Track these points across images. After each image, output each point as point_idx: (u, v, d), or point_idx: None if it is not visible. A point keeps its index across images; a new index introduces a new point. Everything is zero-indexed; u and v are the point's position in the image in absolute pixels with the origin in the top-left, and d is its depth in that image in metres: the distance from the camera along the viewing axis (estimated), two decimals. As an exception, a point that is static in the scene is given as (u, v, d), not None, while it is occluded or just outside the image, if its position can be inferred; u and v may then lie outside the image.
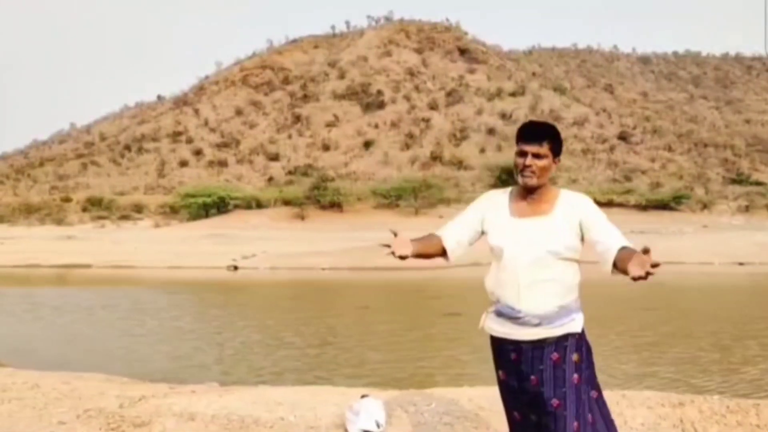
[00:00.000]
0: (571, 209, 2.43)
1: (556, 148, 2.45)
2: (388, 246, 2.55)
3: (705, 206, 64.56)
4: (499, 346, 2.50)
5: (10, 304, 14.91)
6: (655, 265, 2.06)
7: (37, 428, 3.67)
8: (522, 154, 2.43)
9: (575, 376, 2.36)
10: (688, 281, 21.06)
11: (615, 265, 2.28)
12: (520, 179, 2.45)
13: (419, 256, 2.60)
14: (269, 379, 6.99)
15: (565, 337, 2.39)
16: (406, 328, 11.22)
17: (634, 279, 2.11)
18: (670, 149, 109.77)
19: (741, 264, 25.73)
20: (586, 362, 2.43)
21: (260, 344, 9.81)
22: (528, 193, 2.47)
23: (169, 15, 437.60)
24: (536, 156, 2.40)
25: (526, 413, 2.43)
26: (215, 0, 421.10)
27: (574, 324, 2.41)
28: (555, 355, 2.37)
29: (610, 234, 2.36)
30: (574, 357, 2.39)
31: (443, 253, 2.61)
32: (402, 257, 2.55)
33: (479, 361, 8.49)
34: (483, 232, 2.59)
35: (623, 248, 2.28)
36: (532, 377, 2.38)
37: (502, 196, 2.58)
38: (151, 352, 9.17)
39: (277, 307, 14.90)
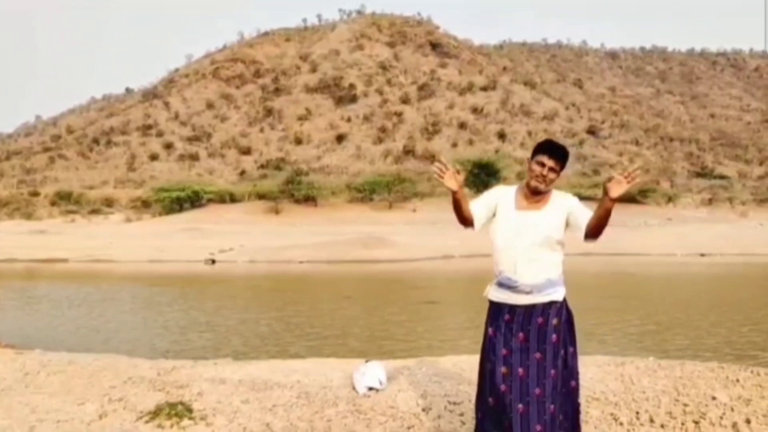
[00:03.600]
0: (561, 205, 3.12)
1: (565, 167, 3.17)
2: (442, 170, 3.10)
3: (670, 199, 66.22)
4: (497, 308, 3.15)
5: (7, 299, 15.28)
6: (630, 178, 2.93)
7: (92, 391, 4.35)
8: (541, 164, 3.10)
9: (554, 336, 3.04)
10: (653, 272, 22.13)
11: (587, 234, 3.03)
12: (532, 182, 3.11)
13: (457, 201, 3.15)
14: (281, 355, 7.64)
15: (550, 304, 3.07)
16: (392, 314, 11.93)
17: (613, 198, 2.90)
18: (637, 143, 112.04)
19: (702, 255, 26.91)
20: (566, 325, 3.13)
21: (270, 332, 10.33)
22: (530, 193, 3.14)
23: (138, 5, 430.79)
24: (551, 170, 3.11)
25: (497, 366, 3.06)
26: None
27: (557, 294, 3.11)
28: (540, 319, 3.05)
29: (583, 212, 3.10)
30: (554, 321, 3.07)
31: (471, 222, 3.21)
32: (450, 188, 3.11)
33: (459, 337, 9.30)
34: (494, 215, 3.22)
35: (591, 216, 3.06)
36: (520, 334, 3.04)
37: (510, 190, 3.26)
38: (169, 342, 9.62)
39: (272, 299, 15.42)
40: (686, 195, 73.56)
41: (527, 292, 3.08)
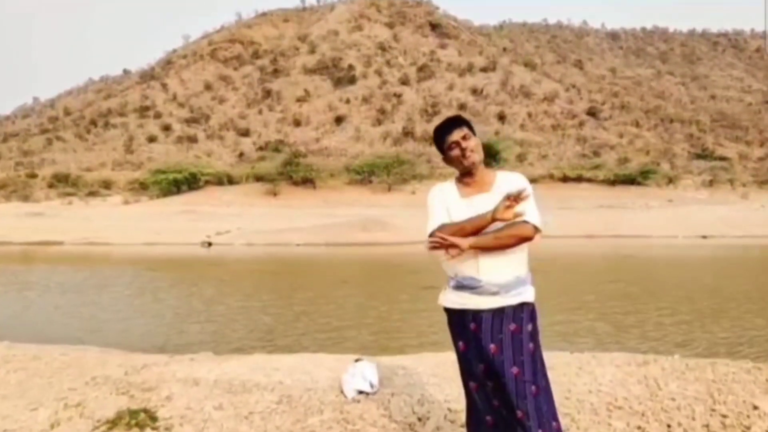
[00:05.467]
0: (508, 186, 2.66)
1: (472, 128, 2.78)
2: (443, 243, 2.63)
3: (671, 181, 65.73)
4: (459, 317, 2.69)
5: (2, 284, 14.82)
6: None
7: (49, 394, 3.88)
8: (453, 146, 2.73)
9: (530, 345, 2.59)
10: (660, 254, 21.66)
11: None
12: (466, 163, 2.71)
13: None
14: (271, 350, 7.20)
15: (521, 307, 2.62)
16: (390, 302, 11.44)
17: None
18: (637, 125, 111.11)
19: (704, 237, 26.51)
20: (538, 330, 2.68)
21: (273, 324, 9.73)
22: (470, 176, 2.75)
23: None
24: (465, 138, 2.72)
25: (483, 382, 2.64)
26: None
27: (528, 294, 2.65)
28: (513, 326, 2.58)
29: (527, 212, 2.62)
30: (529, 327, 2.61)
31: None
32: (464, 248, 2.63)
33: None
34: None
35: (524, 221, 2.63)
36: (492, 345, 2.57)
37: (448, 185, 2.83)
38: (163, 335, 9.03)
39: (266, 285, 14.97)
40: (687, 176, 73.04)
41: (493, 293, 2.61)
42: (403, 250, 22.28)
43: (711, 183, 68.16)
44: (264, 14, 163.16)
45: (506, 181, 2.73)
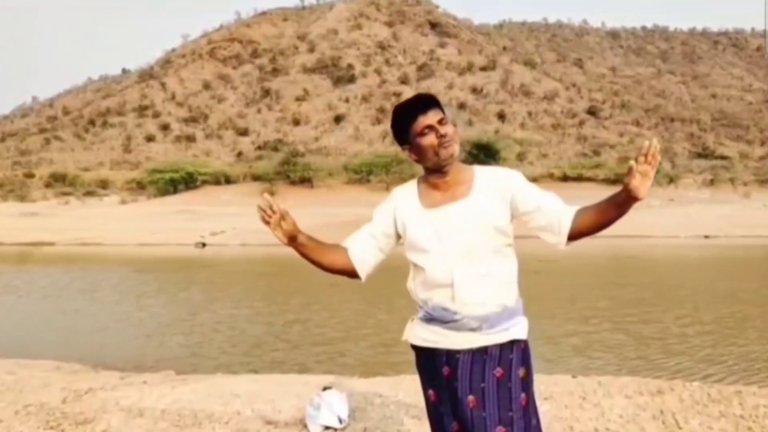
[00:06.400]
0: (494, 184, 2.05)
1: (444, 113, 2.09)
2: (267, 214, 2.04)
3: (671, 180, 65.29)
4: (429, 358, 2.08)
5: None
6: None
7: (-26, 427, 3.41)
8: (426, 131, 2.02)
9: (523, 395, 1.97)
10: (666, 255, 21.20)
11: (572, 235, 2.01)
12: (443, 155, 2.02)
13: (304, 256, 2.16)
14: (259, 365, 6.73)
15: (510, 346, 2.00)
16: (389, 308, 10.90)
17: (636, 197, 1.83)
18: (638, 124, 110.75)
19: (706, 237, 26.10)
20: (532, 377, 2.07)
21: (262, 335, 9.12)
22: (440, 175, 2.07)
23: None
24: (442, 122, 2.03)
25: None
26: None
27: (520, 329, 2.04)
28: (499, 371, 1.97)
29: (552, 200, 2.06)
30: (521, 372, 1.99)
31: (352, 271, 2.21)
32: (280, 241, 2.07)
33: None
34: (399, 235, 2.20)
35: (582, 209, 2.03)
36: (470, 397, 1.95)
37: (409, 189, 2.18)
38: (139, 349, 8.41)
39: (260, 288, 14.51)
40: (688, 176, 72.65)
41: (473, 328, 1.98)
42: (399, 249, 21.83)
43: (712, 182, 67.79)
44: (263, 13, 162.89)
45: (489, 179, 2.08)
